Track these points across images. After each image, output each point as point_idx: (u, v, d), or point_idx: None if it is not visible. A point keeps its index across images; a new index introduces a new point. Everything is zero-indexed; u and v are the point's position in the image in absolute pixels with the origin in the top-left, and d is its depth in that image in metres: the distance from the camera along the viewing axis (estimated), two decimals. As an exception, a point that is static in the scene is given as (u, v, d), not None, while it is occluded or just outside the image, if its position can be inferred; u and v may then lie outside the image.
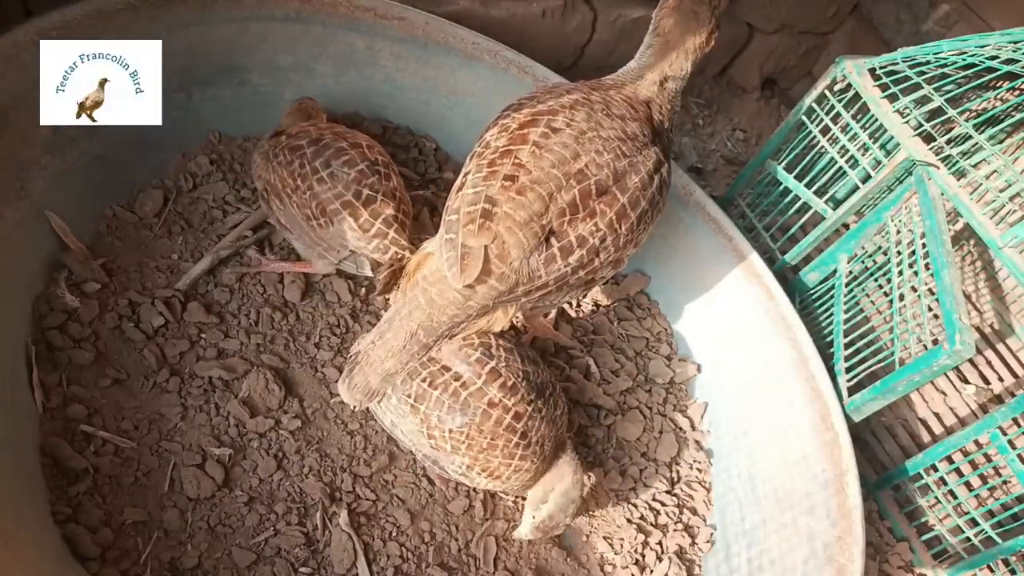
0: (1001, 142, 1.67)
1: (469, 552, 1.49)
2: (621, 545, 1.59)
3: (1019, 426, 1.74)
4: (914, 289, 1.55)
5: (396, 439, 1.47)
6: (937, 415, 1.87)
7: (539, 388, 1.35)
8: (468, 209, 1.21)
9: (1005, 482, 1.70)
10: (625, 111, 1.34)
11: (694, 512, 1.69)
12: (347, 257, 1.51)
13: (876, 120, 1.64)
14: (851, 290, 1.74)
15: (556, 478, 1.38)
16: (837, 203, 1.77)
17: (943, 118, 1.60)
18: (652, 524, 1.63)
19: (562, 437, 1.40)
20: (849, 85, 1.68)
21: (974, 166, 1.60)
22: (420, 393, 1.31)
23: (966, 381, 1.93)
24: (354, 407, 1.38)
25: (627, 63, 1.46)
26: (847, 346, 1.65)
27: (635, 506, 1.64)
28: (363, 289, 1.70)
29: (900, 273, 1.58)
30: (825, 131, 1.75)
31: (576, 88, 1.37)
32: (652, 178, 1.30)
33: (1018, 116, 1.60)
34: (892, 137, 1.62)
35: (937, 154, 1.56)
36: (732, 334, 1.79)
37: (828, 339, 1.72)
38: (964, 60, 1.48)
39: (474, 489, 1.54)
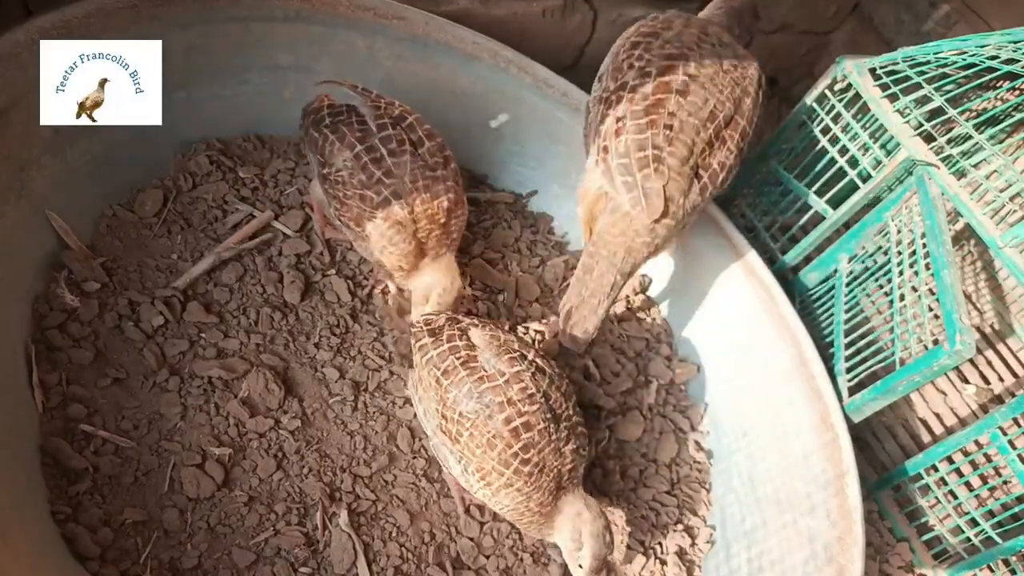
0: (1001, 142, 1.67)
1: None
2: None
3: (1019, 426, 1.74)
4: (914, 289, 1.55)
5: (418, 417, 1.48)
6: (937, 415, 1.87)
7: (556, 415, 1.34)
8: (639, 155, 1.41)
9: (1005, 482, 1.70)
10: (728, 39, 1.56)
11: (694, 512, 1.68)
12: None
13: (876, 120, 1.64)
14: (851, 290, 1.74)
15: (577, 521, 1.33)
16: (837, 203, 1.76)
17: (943, 118, 1.60)
18: (652, 524, 1.63)
19: (566, 475, 1.34)
20: (849, 85, 1.68)
21: (974, 166, 1.60)
22: (449, 368, 1.34)
23: (966, 381, 1.93)
24: (579, 350, 1.61)
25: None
26: (847, 346, 1.65)
27: (635, 506, 1.64)
28: (362, 289, 1.71)
29: (900, 273, 1.58)
30: (825, 131, 1.75)
31: (690, 23, 1.57)
32: (759, 94, 1.54)
33: (1018, 116, 1.60)
34: (892, 137, 1.62)
35: (937, 154, 1.56)
36: (732, 334, 1.79)
37: (828, 339, 1.72)
38: (964, 60, 1.48)
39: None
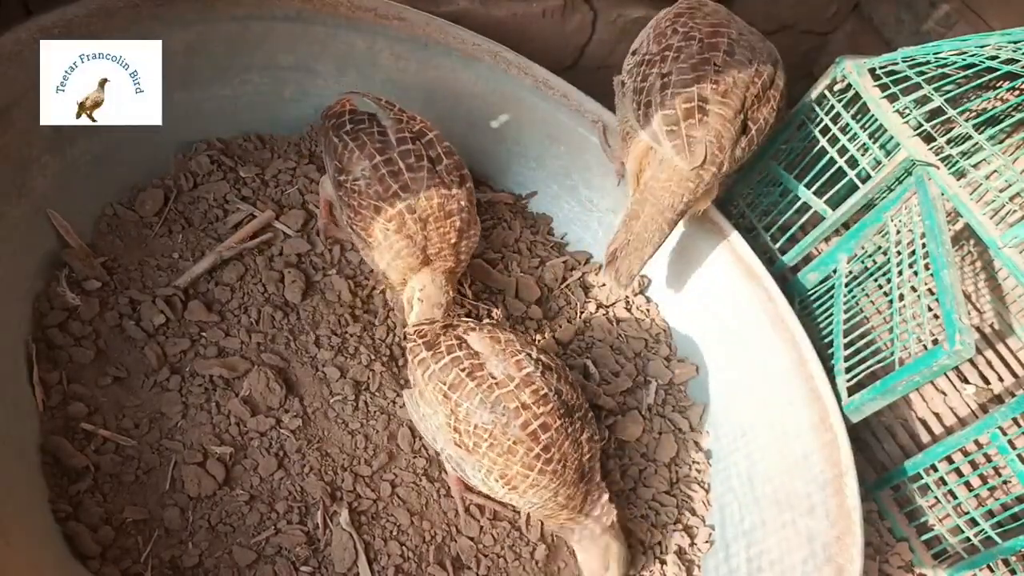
0: (1001, 142, 1.67)
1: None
2: (621, 544, 1.59)
3: (1019, 426, 1.75)
4: (914, 289, 1.55)
5: (423, 436, 1.48)
6: (937, 415, 1.87)
7: (569, 408, 1.34)
8: (684, 107, 1.47)
9: (1005, 482, 1.70)
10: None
11: (693, 512, 1.69)
12: None
13: (876, 120, 1.64)
14: (851, 290, 1.74)
15: (607, 555, 1.42)
16: (837, 203, 1.77)
17: (943, 118, 1.60)
18: (652, 524, 1.63)
19: (587, 464, 1.37)
20: (849, 85, 1.68)
21: (974, 166, 1.60)
22: (456, 382, 1.32)
23: (966, 381, 1.93)
24: (624, 290, 1.68)
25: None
26: (847, 346, 1.65)
27: (635, 506, 1.64)
28: (363, 289, 1.71)
29: (900, 273, 1.58)
30: (825, 131, 1.75)
31: (719, 7, 1.68)
32: (783, 69, 1.64)
33: (1018, 116, 1.60)
34: (892, 137, 1.63)
35: (937, 154, 1.56)
36: (731, 335, 1.79)
37: (828, 339, 1.72)
38: (964, 60, 1.49)
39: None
